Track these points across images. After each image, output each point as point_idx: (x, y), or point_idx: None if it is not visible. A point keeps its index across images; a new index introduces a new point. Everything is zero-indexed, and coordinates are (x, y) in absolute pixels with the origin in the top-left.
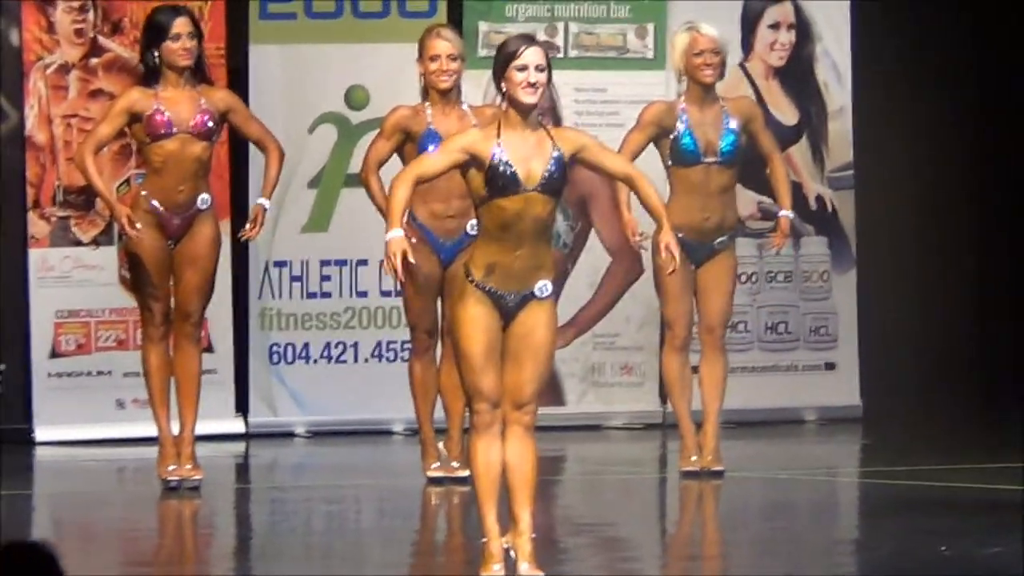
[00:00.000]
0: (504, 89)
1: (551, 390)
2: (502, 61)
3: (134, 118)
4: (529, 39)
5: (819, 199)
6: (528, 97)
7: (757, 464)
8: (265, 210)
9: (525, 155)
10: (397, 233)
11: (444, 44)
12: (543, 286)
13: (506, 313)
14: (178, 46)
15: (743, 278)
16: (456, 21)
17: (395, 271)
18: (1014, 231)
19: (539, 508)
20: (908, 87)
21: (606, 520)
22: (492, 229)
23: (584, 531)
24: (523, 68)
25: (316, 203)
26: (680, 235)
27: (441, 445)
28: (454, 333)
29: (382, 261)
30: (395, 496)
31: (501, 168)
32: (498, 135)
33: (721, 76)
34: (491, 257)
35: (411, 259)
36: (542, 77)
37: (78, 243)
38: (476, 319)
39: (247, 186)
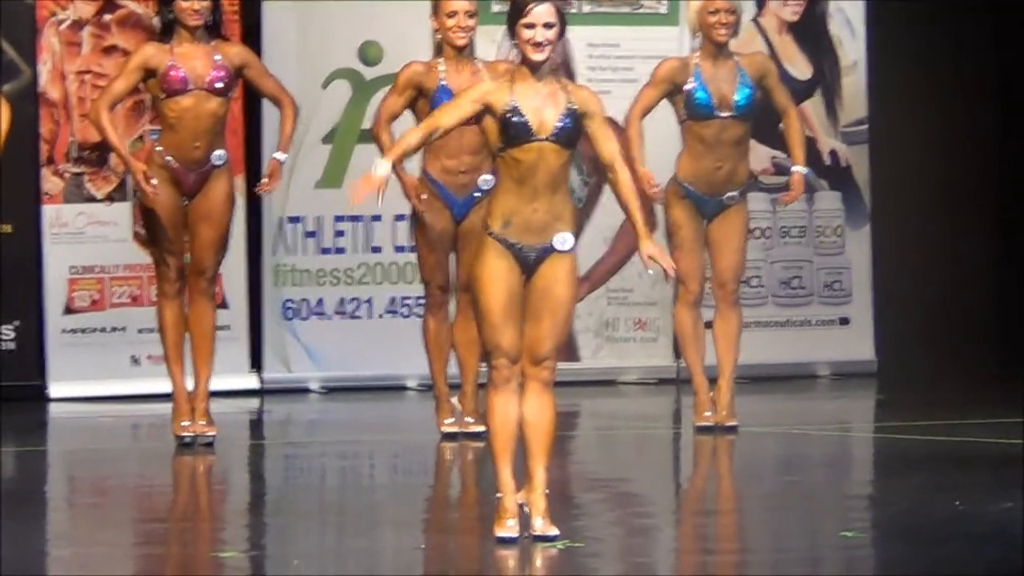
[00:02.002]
0: (515, 44)
1: (565, 345)
2: (513, 17)
3: (149, 74)
4: None
5: (833, 154)
6: (535, 55)
7: (771, 419)
8: (281, 164)
9: (537, 106)
10: (385, 167)
11: (462, 2)
12: (563, 239)
13: (526, 267)
14: (188, 6)
15: (757, 233)
16: None
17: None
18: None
19: (553, 464)
20: (922, 41)
21: (620, 476)
22: (508, 182)
23: (598, 487)
24: (531, 26)
25: (330, 159)
26: (690, 187)
27: (455, 400)
28: (473, 288)
29: (397, 216)
30: (409, 452)
31: (514, 118)
32: (511, 86)
33: (735, 34)
34: (508, 209)
35: (379, 201)
36: (550, 34)
37: (92, 199)
38: (496, 273)
39: (261, 142)
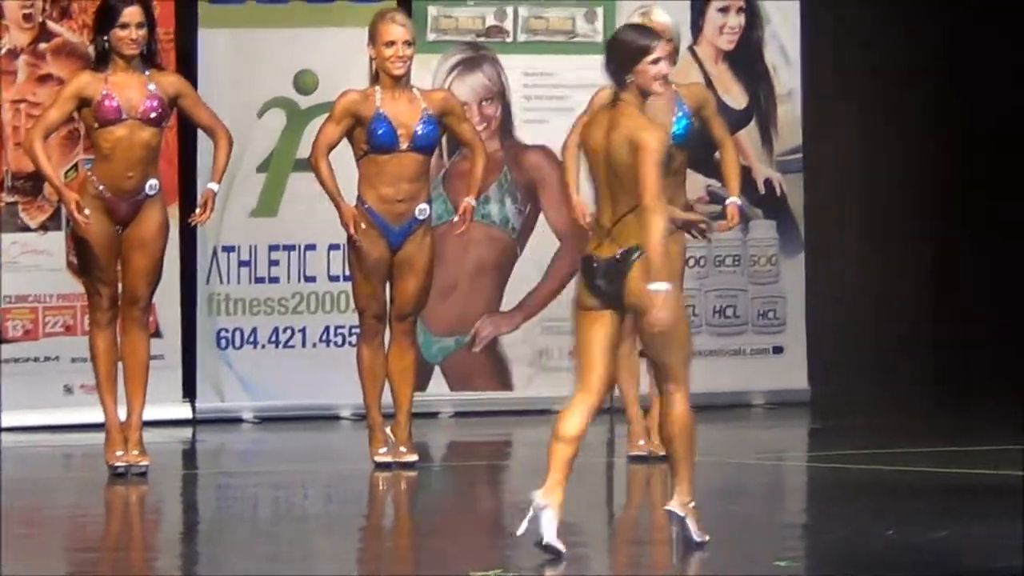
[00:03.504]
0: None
1: (498, 374)
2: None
3: (83, 103)
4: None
5: (768, 183)
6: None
7: (705, 449)
8: (215, 194)
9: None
10: None
11: (399, 30)
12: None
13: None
14: (126, 35)
15: (691, 262)
16: (406, 5)
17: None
18: (966, 213)
19: (487, 493)
20: (857, 70)
21: None
22: None
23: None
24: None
25: (265, 188)
26: None
27: (388, 430)
28: None
29: (331, 245)
30: (342, 481)
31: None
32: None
33: (673, 63)
34: None
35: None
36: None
37: (26, 228)
38: None
39: (196, 171)
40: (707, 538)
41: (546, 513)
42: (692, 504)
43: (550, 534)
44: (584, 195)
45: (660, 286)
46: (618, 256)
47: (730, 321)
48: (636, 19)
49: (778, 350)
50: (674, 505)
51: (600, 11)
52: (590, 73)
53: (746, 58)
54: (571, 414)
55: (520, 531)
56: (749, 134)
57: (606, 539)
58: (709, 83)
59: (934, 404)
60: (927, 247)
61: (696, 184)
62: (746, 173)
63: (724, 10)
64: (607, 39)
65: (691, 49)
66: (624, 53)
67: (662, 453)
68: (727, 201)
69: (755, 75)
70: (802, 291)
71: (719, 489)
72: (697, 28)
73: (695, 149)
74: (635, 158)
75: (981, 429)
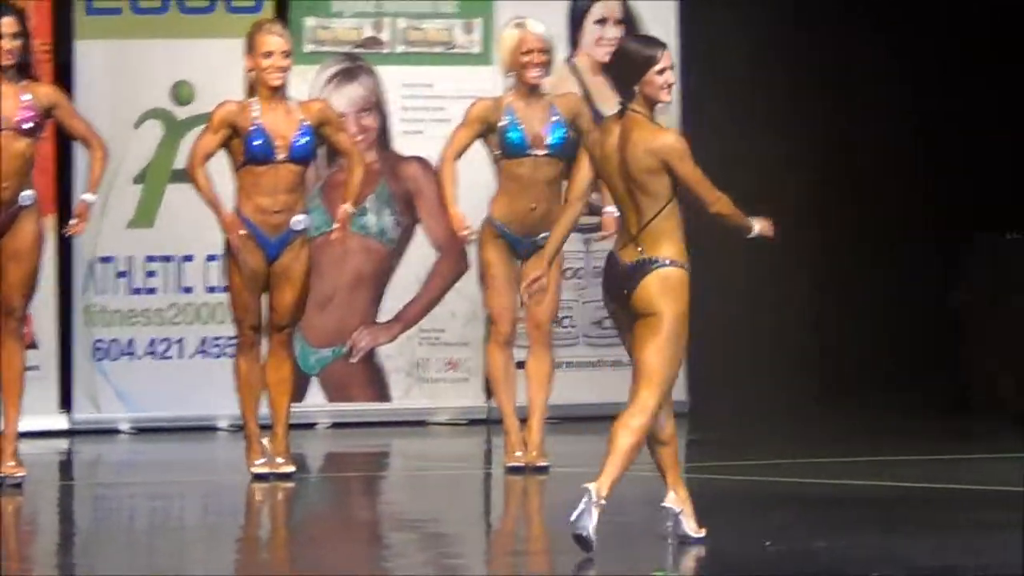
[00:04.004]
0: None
1: (375, 385)
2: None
3: None
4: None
5: None
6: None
7: (582, 460)
8: (90, 206)
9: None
10: None
11: (277, 40)
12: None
13: None
14: (0, 46)
15: (569, 273)
16: (283, 16)
17: None
18: (842, 225)
19: (364, 503)
20: (734, 81)
21: (431, 516)
22: None
23: (408, 527)
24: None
25: (142, 199)
26: (505, 228)
27: (266, 441)
28: None
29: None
30: (219, 492)
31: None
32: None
33: (548, 73)
34: None
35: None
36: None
37: None
38: None
39: (72, 182)
40: (703, 534)
41: (683, 516)
42: (687, 498)
43: (691, 528)
44: (463, 206)
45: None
46: (639, 261)
47: (608, 332)
48: (512, 31)
49: None
50: (671, 501)
51: (478, 23)
52: (468, 84)
53: None
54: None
55: (687, 535)
56: None
57: (484, 550)
58: (587, 95)
59: (812, 414)
60: (805, 257)
61: None
62: None
63: (601, 22)
64: (614, 50)
65: (569, 61)
66: (631, 64)
67: (539, 464)
68: (603, 211)
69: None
70: None
71: None
72: (575, 40)
73: (571, 159)
74: (664, 166)
75: (859, 440)
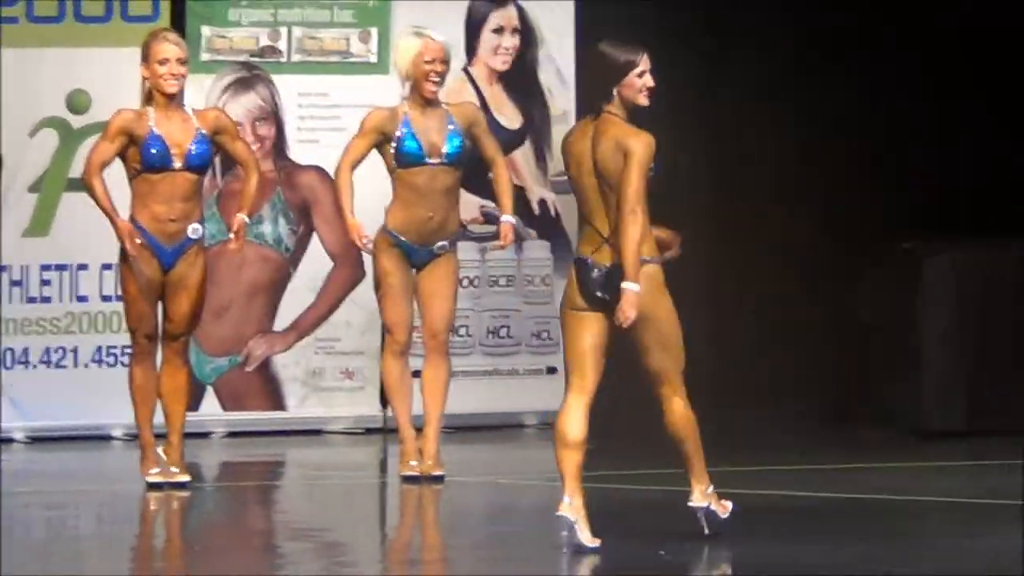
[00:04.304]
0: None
1: (270, 394)
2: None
3: None
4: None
5: (542, 203)
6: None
7: (478, 468)
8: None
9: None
10: None
11: (173, 48)
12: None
13: None
14: None
15: (465, 282)
16: (179, 25)
17: None
18: (738, 227)
19: (259, 513)
20: None
21: (326, 525)
22: None
23: (303, 536)
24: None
25: (37, 207)
26: (401, 237)
27: (160, 450)
28: None
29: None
30: (114, 501)
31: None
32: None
33: (442, 83)
34: None
35: None
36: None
37: None
38: None
39: None
40: (730, 509)
41: (578, 525)
42: (711, 489)
43: (586, 537)
44: (360, 216)
45: (630, 285)
46: (617, 264)
47: (504, 341)
48: (411, 39)
49: (552, 370)
50: (696, 499)
51: (375, 32)
52: (364, 93)
53: (521, 79)
54: (571, 418)
55: (583, 545)
56: (524, 155)
57: (379, 559)
58: (484, 103)
59: (707, 423)
60: (699, 266)
61: (471, 204)
62: (520, 193)
63: (499, 31)
64: (588, 52)
65: (466, 70)
66: (610, 68)
67: (434, 473)
68: (500, 220)
69: (530, 96)
70: None
71: (490, 509)
72: (472, 49)
73: (468, 168)
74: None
75: (759, 450)
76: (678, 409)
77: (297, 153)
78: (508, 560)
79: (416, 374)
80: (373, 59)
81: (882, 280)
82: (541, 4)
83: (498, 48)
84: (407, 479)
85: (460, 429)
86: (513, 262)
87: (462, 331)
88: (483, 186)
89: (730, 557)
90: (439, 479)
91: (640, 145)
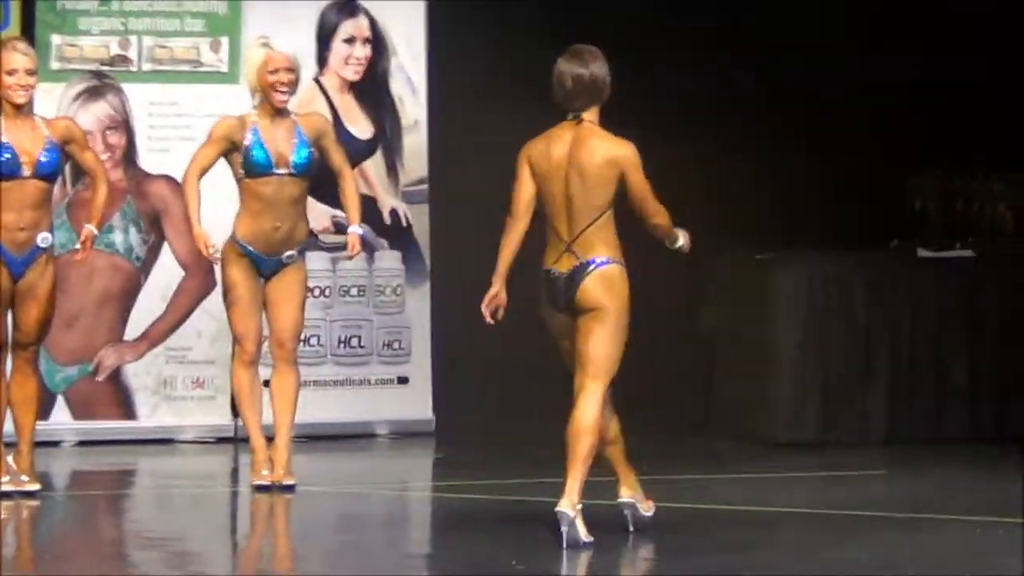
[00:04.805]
0: None
1: (121, 403)
2: None
3: None
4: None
5: (394, 213)
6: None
7: (329, 478)
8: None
9: None
10: None
11: (21, 58)
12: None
13: None
14: None
15: (316, 292)
16: (29, 33)
17: None
18: None
19: (109, 522)
20: (482, 101)
21: (177, 534)
22: None
23: (154, 546)
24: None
25: None
26: (249, 246)
27: (11, 459)
28: None
29: None
30: None
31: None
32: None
33: (293, 92)
34: None
35: None
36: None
37: None
38: None
39: None
40: (591, 539)
41: (637, 504)
42: (580, 507)
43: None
44: (207, 225)
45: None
46: (577, 266)
47: (355, 351)
48: (257, 50)
49: (403, 380)
50: (563, 506)
51: (225, 41)
52: (214, 102)
53: (372, 89)
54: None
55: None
56: (375, 164)
57: (229, 569)
58: (335, 113)
59: (557, 434)
60: None
61: (321, 214)
62: (372, 204)
63: (350, 40)
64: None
65: (317, 80)
66: (600, 81)
67: (286, 482)
68: (348, 230)
69: (381, 106)
70: (427, 321)
71: (341, 518)
72: (323, 59)
73: (317, 179)
74: (619, 175)
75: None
76: (591, 410)
77: (148, 162)
78: (359, 569)
79: (267, 384)
80: (224, 68)
81: (734, 291)
82: (393, 15)
83: (349, 58)
84: (258, 488)
85: (312, 438)
86: (365, 272)
87: (313, 341)
88: (335, 196)
89: (583, 567)
90: (290, 488)
91: (634, 153)
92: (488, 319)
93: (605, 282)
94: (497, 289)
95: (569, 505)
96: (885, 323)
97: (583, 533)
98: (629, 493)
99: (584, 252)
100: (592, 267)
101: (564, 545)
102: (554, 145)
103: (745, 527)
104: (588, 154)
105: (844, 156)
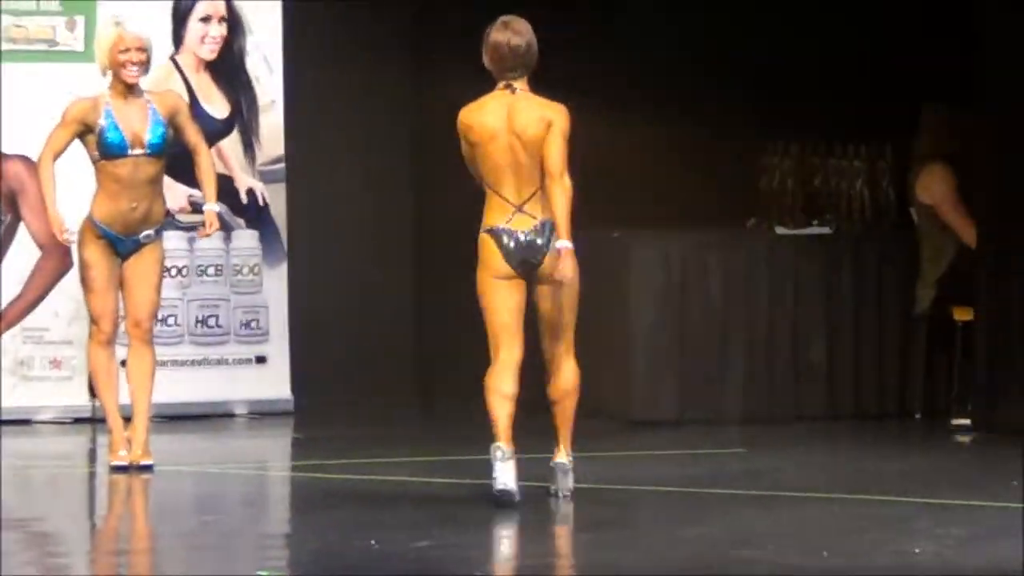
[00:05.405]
0: None
1: None
2: None
3: None
4: None
5: (251, 192)
6: None
7: (187, 458)
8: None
9: None
10: None
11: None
12: None
13: None
14: None
15: (173, 271)
16: None
17: None
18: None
19: None
20: (340, 78)
21: (35, 515)
22: None
23: (12, 527)
24: None
25: None
26: (106, 228)
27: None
28: None
29: None
30: None
31: None
32: None
33: (146, 72)
34: None
35: None
36: None
37: None
38: None
39: None
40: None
41: (510, 463)
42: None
43: (511, 479)
44: (63, 207)
45: (566, 244)
46: (537, 227)
47: (212, 331)
48: (108, 29)
49: (261, 360)
50: (561, 457)
51: (81, 20)
52: (70, 82)
53: (228, 68)
54: (504, 374)
55: (501, 483)
56: (231, 144)
57: (87, 550)
58: (191, 92)
59: (415, 413)
60: (409, 256)
61: (178, 194)
62: (228, 183)
63: (206, 19)
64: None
65: (172, 59)
66: (532, 48)
67: (144, 463)
68: (204, 207)
69: (238, 85)
70: (285, 301)
71: (199, 499)
72: (179, 37)
73: (176, 157)
74: (547, 128)
75: (460, 438)
76: (571, 371)
77: (3, 142)
78: (218, 549)
79: (123, 364)
80: (79, 48)
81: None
82: None
83: (205, 37)
84: (116, 469)
85: (170, 418)
86: (221, 251)
87: (171, 320)
88: (191, 175)
89: (440, 547)
90: (148, 468)
91: (561, 116)
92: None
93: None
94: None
95: (565, 455)
96: (742, 300)
97: (570, 485)
98: (562, 456)
99: (538, 213)
100: (553, 228)
101: (559, 496)
102: (490, 115)
103: (602, 505)
104: (528, 120)
105: (698, 131)
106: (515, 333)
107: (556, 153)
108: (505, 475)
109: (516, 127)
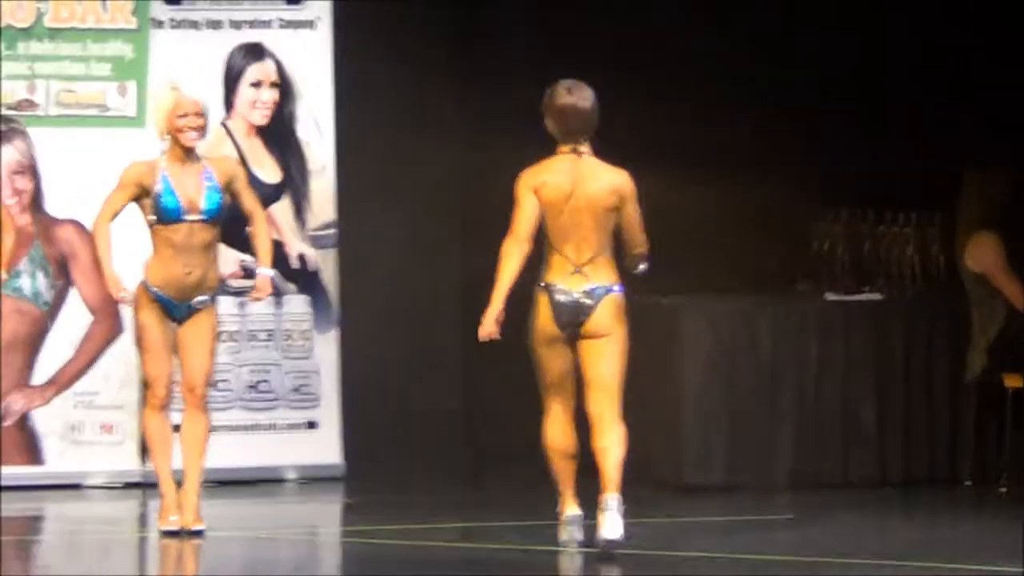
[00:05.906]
0: None
1: (28, 449)
2: None
3: None
4: None
5: (301, 257)
6: None
7: (238, 524)
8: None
9: None
10: None
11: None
12: None
13: None
14: None
15: (225, 336)
16: None
17: None
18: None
19: (17, 569)
20: (390, 144)
21: None
22: None
23: None
24: None
25: None
26: (160, 292)
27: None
28: None
29: None
30: None
31: None
32: None
33: (204, 136)
34: None
35: None
36: None
37: None
38: None
39: None
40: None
41: (580, 520)
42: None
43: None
44: (120, 269)
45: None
46: (590, 289)
47: (263, 395)
48: (166, 94)
49: (312, 425)
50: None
51: (132, 85)
52: (122, 147)
53: (279, 132)
54: (563, 432)
55: (570, 542)
56: (282, 208)
57: None
58: (242, 157)
59: (464, 478)
60: (457, 323)
61: (230, 259)
62: (279, 248)
63: (257, 84)
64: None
65: (224, 124)
66: (594, 115)
67: (194, 527)
68: (258, 272)
69: (288, 150)
70: (336, 366)
71: (250, 564)
72: (230, 103)
73: (227, 223)
74: (620, 202)
75: (511, 505)
76: (619, 430)
77: (54, 206)
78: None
79: (176, 428)
80: (131, 112)
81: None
82: (299, 59)
83: (256, 102)
84: (167, 534)
85: (220, 483)
86: (272, 316)
87: (222, 385)
88: (243, 240)
89: None
90: (199, 533)
91: (630, 187)
92: (490, 336)
93: (617, 308)
94: (500, 308)
95: (614, 493)
96: (792, 366)
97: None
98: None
99: (594, 275)
100: (608, 292)
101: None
102: (556, 176)
103: (651, 572)
104: (596, 186)
105: (749, 196)
106: (567, 392)
107: (638, 229)
108: (610, 527)
109: (585, 192)
